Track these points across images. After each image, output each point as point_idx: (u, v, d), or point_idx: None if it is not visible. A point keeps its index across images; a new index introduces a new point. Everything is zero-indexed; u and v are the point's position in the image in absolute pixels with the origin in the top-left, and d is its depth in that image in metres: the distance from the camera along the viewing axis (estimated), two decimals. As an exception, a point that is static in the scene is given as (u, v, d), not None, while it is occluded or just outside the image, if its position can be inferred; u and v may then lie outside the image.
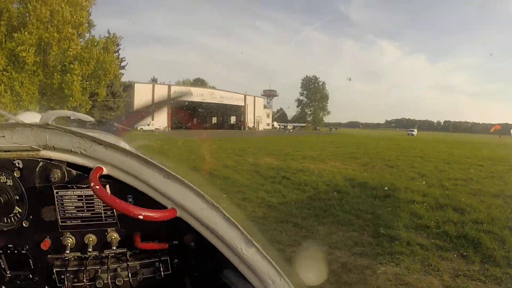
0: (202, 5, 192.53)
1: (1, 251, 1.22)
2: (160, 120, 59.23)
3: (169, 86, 64.09)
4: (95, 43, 34.10)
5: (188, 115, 75.21)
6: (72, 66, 31.45)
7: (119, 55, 55.49)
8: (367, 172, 13.65)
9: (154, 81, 66.83)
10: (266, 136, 42.13)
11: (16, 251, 1.22)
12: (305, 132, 74.39)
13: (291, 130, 74.59)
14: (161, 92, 61.10)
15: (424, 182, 11.81)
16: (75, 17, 31.06)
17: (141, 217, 0.98)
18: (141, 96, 56.00)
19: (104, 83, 38.98)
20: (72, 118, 1.79)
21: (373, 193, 9.59)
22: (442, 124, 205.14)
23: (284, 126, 78.57)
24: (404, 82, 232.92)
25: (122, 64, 56.50)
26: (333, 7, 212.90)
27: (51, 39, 29.99)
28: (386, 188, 10.23)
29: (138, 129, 53.46)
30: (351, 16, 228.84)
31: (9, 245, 1.21)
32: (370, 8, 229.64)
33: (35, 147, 1.09)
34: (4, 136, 1.07)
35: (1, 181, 1.14)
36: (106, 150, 1.10)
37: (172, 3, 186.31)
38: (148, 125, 56.23)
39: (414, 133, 78.02)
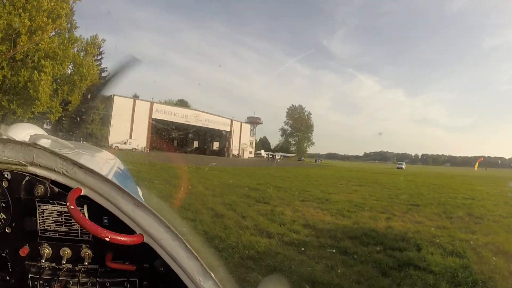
0: (187, 29, 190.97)
1: None
2: (139, 139, 53.60)
3: (152, 103, 58.72)
4: (72, 41, 28.83)
5: (169, 136, 69.85)
6: (42, 62, 25.97)
7: (100, 63, 50.52)
8: (482, 233, 9.06)
9: (135, 97, 61.37)
10: (260, 167, 36.26)
11: None
12: (292, 163, 69.80)
13: (278, 160, 69.85)
14: (142, 108, 55.76)
15: None
16: (52, 4, 25.84)
17: (107, 239, 1.03)
18: (120, 110, 50.38)
19: (79, 90, 33.68)
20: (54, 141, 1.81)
21: None
22: (419, 157, 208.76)
23: (273, 155, 73.35)
24: (383, 115, 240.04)
25: (103, 74, 51.33)
26: (316, 40, 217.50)
27: (21, 26, 24.56)
28: None
29: (113, 147, 48.06)
30: (332, 50, 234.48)
31: None
32: (351, 43, 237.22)
33: (23, 162, 1.17)
34: None
35: None
36: (85, 173, 1.16)
37: (158, 25, 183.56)
38: (125, 143, 50.54)
39: (403, 166, 76.80)
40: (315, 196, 14.02)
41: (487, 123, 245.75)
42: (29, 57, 27.06)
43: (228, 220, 8.26)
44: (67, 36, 29.32)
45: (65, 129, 45.18)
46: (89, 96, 43.37)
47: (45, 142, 1.65)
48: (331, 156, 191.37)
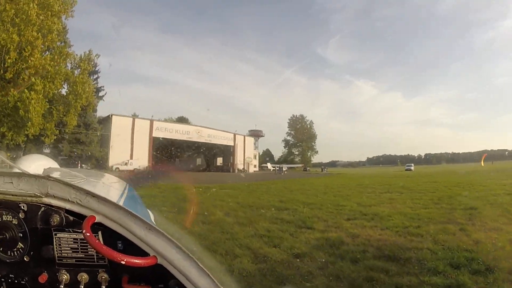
0: (183, 46, 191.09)
1: (3, 280, 1.31)
2: (140, 159, 51.39)
3: (152, 121, 56.67)
4: (64, 56, 26.76)
5: (171, 154, 67.66)
6: (33, 79, 23.94)
7: (97, 82, 48.68)
8: None
9: (134, 116, 59.09)
10: (272, 181, 33.46)
11: (16, 281, 1.30)
12: (300, 174, 67.26)
13: (285, 172, 67.23)
14: (142, 127, 53.64)
15: None
16: (42, 18, 23.94)
17: (123, 262, 1.07)
18: (119, 130, 48.24)
19: (74, 110, 31.58)
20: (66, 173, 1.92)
21: None
22: (423, 157, 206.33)
23: (280, 167, 70.45)
24: (382, 119, 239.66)
25: (100, 94, 49.49)
26: (311, 50, 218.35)
27: (9, 42, 22.60)
28: None
29: (114, 168, 45.70)
30: (328, 58, 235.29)
31: (11, 275, 1.30)
32: (346, 50, 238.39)
33: (38, 194, 1.22)
34: (12, 183, 1.22)
35: (8, 219, 1.26)
36: (98, 201, 1.21)
37: (154, 44, 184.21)
38: (126, 164, 48.26)
39: (412, 168, 77.35)
40: (357, 211, 11.78)
41: (486, 117, 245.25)
42: (21, 77, 25.09)
43: (280, 266, 5.83)
44: (58, 51, 27.18)
45: (63, 152, 43.07)
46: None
47: (57, 174, 1.66)
48: (334, 164, 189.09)
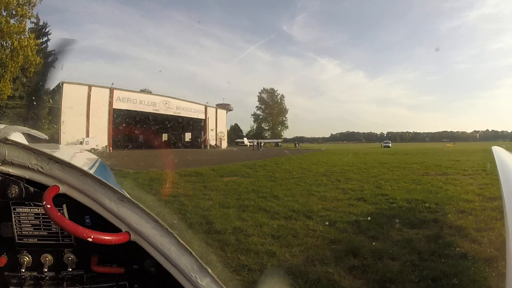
0: (144, 21, 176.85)
1: None
2: (98, 136, 43.26)
3: (112, 90, 47.90)
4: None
5: (135, 129, 59.37)
6: None
7: (46, 45, 39.47)
8: None
9: (91, 84, 49.05)
10: (267, 159, 27.45)
11: None
12: (279, 151, 61.68)
13: (262, 148, 61.47)
14: (100, 97, 45.02)
15: None
16: None
17: (90, 239, 0.94)
18: (72, 100, 39.59)
19: (9, 73, 23.59)
20: (26, 134, 1.62)
21: None
22: (385, 135, 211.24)
23: (258, 143, 64.22)
24: (345, 97, 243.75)
25: (50, 59, 40.23)
26: (276, 26, 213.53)
27: None
28: None
29: (67, 148, 37.60)
30: (293, 35, 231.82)
31: None
32: (311, 28, 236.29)
33: None
34: None
35: None
36: (63, 168, 1.05)
37: (114, 18, 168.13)
38: (81, 143, 40.10)
39: (389, 145, 78.40)
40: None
41: (445, 100, 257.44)
42: None
43: None
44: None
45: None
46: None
47: (16, 136, 1.48)
48: (299, 140, 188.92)
